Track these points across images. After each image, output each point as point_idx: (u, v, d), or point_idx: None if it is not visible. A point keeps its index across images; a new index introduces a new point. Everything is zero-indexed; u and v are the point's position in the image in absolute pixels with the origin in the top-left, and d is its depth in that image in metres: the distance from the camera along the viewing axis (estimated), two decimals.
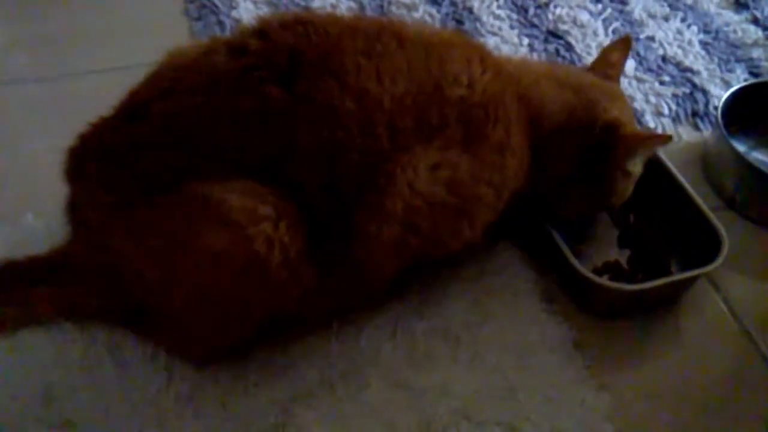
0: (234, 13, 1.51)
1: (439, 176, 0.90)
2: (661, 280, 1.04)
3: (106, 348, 0.96)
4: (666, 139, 1.02)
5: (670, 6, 1.61)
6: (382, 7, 1.56)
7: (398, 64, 0.89)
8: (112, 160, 0.87)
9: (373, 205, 0.88)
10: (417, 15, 1.54)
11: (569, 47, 1.49)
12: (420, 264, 1.01)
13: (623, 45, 1.14)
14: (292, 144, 0.85)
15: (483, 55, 0.97)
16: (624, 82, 1.42)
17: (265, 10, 1.52)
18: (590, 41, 1.50)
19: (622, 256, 1.14)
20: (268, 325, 0.94)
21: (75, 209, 0.93)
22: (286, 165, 0.86)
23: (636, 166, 1.05)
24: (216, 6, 1.51)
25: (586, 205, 1.10)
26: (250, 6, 1.53)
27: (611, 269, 1.12)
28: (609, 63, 1.10)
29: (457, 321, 1.04)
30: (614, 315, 1.06)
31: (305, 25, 0.88)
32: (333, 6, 1.55)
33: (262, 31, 0.88)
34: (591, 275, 1.01)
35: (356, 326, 1.02)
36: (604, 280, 1.04)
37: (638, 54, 1.48)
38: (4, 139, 1.26)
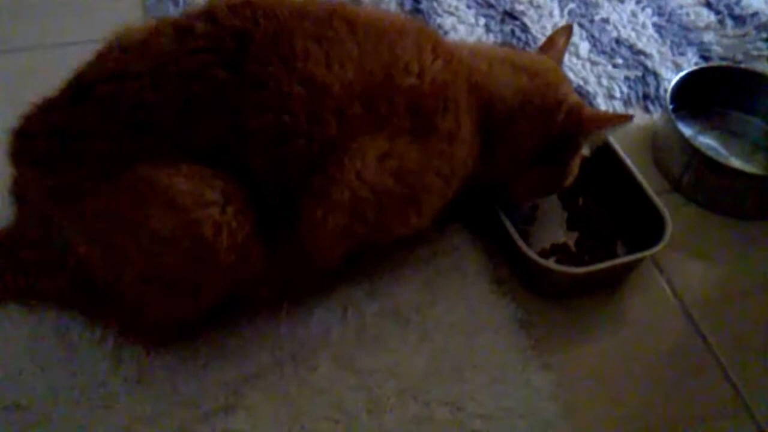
0: None
1: (387, 166, 0.90)
2: (607, 263, 1.07)
3: (54, 330, 0.96)
4: (626, 118, 1.03)
5: None
6: None
7: (348, 50, 0.89)
8: (56, 143, 0.86)
9: (319, 192, 0.88)
10: None
11: (525, 28, 1.49)
12: (370, 247, 1.02)
13: (567, 31, 1.15)
14: (240, 128, 0.85)
15: (435, 43, 0.97)
16: (578, 64, 1.44)
17: None
18: (546, 22, 1.51)
19: (570, 238, 1.17)
20: (218, 306, 0.95)
21: (20, 192, 0.92)
22: (234, 149, 0.86)
23: (586, 148, 1.07)
24: None
25: (542, 188, 1.12)
26: None
27: (559, 251, 1.14)
28: (555, 49, 1.11)
29: (408, 302, 1.05)
30: (561, 296, 1.09)
31: (254, 7, 0.87)
32: None
33: (210, 13, 0.87)
34: (537, 258, 1.03)
35: (306, 308, 1.03)
36: (550, 263, 1.06)
37: (593, 36, 1.49)
38: None
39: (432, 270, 1.09)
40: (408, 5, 1.51)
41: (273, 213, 0.89)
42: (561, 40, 1.12)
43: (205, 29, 0.85)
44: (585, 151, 1.07)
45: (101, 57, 0.88)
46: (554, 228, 1.18)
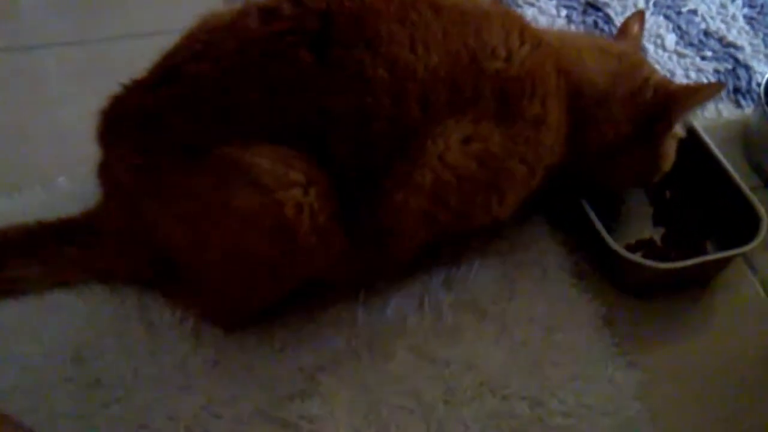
0: None
1: (470, 149, 0.89)
2: (694, 260, 1.02)
3: (136, 310, 0.97)
4: (717, 87, 1.01)
5: None
6: None
7: (433, 33, 0.87)
8: (144, 123, 0.87)
9: (401, 176, 0.87)
10: None
11: (608, 19, 1.45)
12: (449, 236, 1.00)
13: (640, 17, 1.12)
14: (323, 110, 0.84)
15: (522, 27, 0.95)
16: (664, 56, 1.40)
17: None
18: (630, 13, 1.45)
19: (656, 234, 1.12)
20: (297, 290, 0.94)
21: (106, 172, 0.93)
22: (317, 131, 0.85)
23: (680, 126, 1.03)
24: None
25: (635, 175, 1.08)
26: None
27: (644, 246, 1.10)
28: (630, 35, 1.08)
29: (485, 295, 1.03)
30: (646, 293, 1.05)
31: None
32: None
33: None
34: (623, 251, 0.99)
35: (383, 296, 1.02)
36: (636, 257, 1.02)
37: (679, 28, 1.44)
38: (38, 101, 1.27)
39: (511, 263, 1.07)
40: None
41: (354, 197, 0.88)
42: (635, 27, 1.10)
43: (290, 10, 0.85)
44: (679, 130, 1.03)
45: (188, 39, 0.89)
46: (640, 223, 1.14)
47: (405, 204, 0.88)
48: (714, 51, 1.40)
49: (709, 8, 1.49)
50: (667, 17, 1.47)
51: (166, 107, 0.85)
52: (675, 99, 0.98)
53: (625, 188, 1.13)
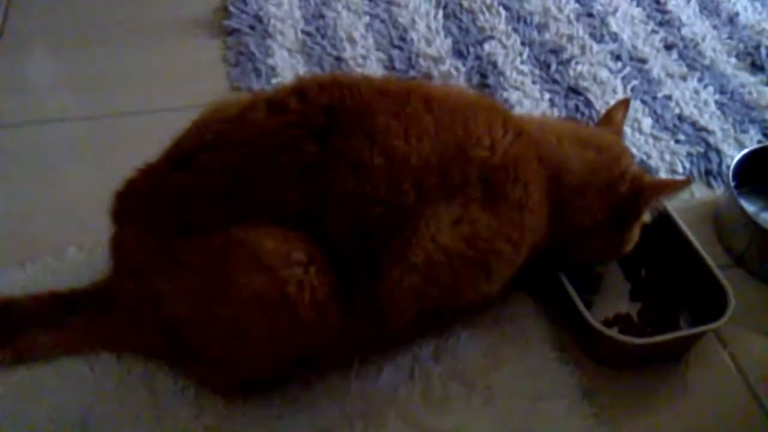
0: (270, 61, 1.59)
1: (460, 231, 0.96)
2: (669, 335, 1.09)
3: (140, 379, 1.03)
4: (685, 183, 1.10)
5: (688, 66, 1.66)
6: (410, 59, 1.63)
7: (425, 126, 0.96)
8: (158, 204, 0.94)
9: (397, 256, 0.94)
10: (443, 67, 1.61)
11: (588, 103, 1.55)
12: (439, 310, 1.06)
13: (624, 106, 1.22)
14: (325, 195, 0.92)
15: (505, 118, 1.03)
16: (641, 139, 1.49)
17: (298, 58, 1.61)
18: (609, 98, 1.56)
19: (633, 309, 1.19)
20: (295, 362, 1.00)
21: (118, 247, 1.00)
22: (318, 214, 0.92)
23: (647, 215, 1.12)
24: (253, 54, 1.60)
25: (604, 253, 1.17)
26: (285, 54, 1.62)
27: (622, 321, 1.17)
28: (614, 122, 1.17)
29: (473, 366, 1.09)
30: (623, 366, 1.11)
31: (340, 86, 0.95)
32: (363, 57, 1.63)
33: (301, 90, 0.95)
34: (601, 327, 1.06)
35: (376, 366, 1.07)
36: (613, 333, 1.08)
37: (655, 112, 1.54)
38: (48, 174, 1.35)
39: (496, 335, 1.13)
40: (475, 80, 1.59)
41: (351, 275, 0.95)
42: (619, 115, 1.19)
43: (296, 105, 0.93)
44: (646, 217, 1.12)
45: (200, 127, 0.97)
46: (617, 298, 1.21)
47: (400, 282, 0.95)
48: (687, 135, 1.49)
49: (683, 94, 1.59)
50: (643, 102, 1.56)
51: (179, 192, 0.93)
52: (646, 192, 1.07)
53: (595, 263, 1.21)
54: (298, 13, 1.74)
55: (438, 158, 0.95)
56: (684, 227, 1.20)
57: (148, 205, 0.95)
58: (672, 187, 1.09)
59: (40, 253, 1.17)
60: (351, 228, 0.93)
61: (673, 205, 1.24)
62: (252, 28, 1.69)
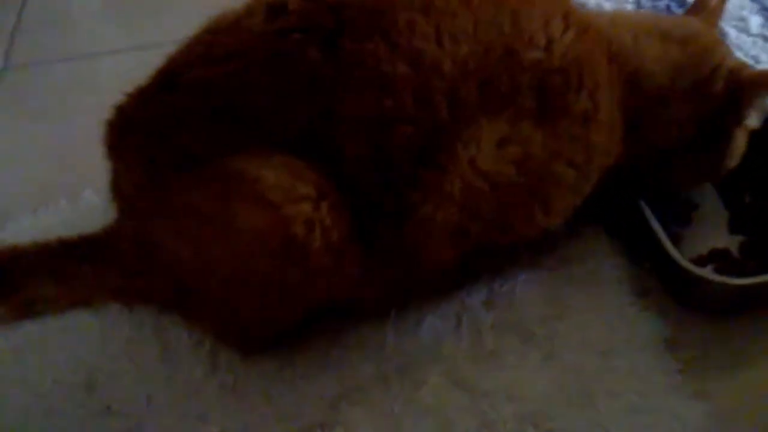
0: None
1: (507, 153, 0.79)
2: None
3: (152, 333, 0.92)
4: None
5: None
6: None
7: (462, 22, 0.78)
8: (148, 133, 0.81)
9: (428, 185, 0.78)
10: None
11: (682, 2, 1.31)
12: (489, 249, 0.90)
13: None
14: (337, 113, 0.76)
15: (567, 11, 0.84)
16: (748, 41, 1.25)
17: None
18: None
19: (733, 243, 0.99)
20: (317, 313, 0.87)
21: (116, 187, 0.88)
22: (330, 137, 0.77)
23: (753, 118, 0.90)
24: None
25: (698, 175, 0.97)
26: None
27: (719, 258, 0.97)
28: (706, 8, 0.95)
29: (531, 314, 0.92)
30: (718, 312, 0.91)
31: None
32: None
33: None
34: (689, 265, 0.87)
35: (416, 316, 0.92)
36: (705, 272, 0.89)
37: (765, 9, 1.28)
38: (62, 114, 1.25)
39: (562, 278, 0.96)
40: None
41: (374, 211, 0.80)
42: (714, 1, 0.95)
43: (298, 5, 0.77)
44: (752, 122, 0.90)
45: (191, 41, 0.82)
46: (714, 231, 1.00)
47: (432, 217, 0.79)
48: None
49: None
50: None
51: (166, 117, 0.79)
52: (745, 88, 0.85)
53: (686, 189, 1.00)
54: None
55: (478, 63, 0.77)
56: None
57: (137, 135, 0.82)
58: None
59: (55, 197, 1.08)
60: (371, 154, 0.77)
61: None
62: None
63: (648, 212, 0.91)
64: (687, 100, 0.86)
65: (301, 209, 0.75)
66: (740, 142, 0.91)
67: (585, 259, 0.97)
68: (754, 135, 0.94)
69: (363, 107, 0.76)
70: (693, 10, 0.98)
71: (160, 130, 0.80)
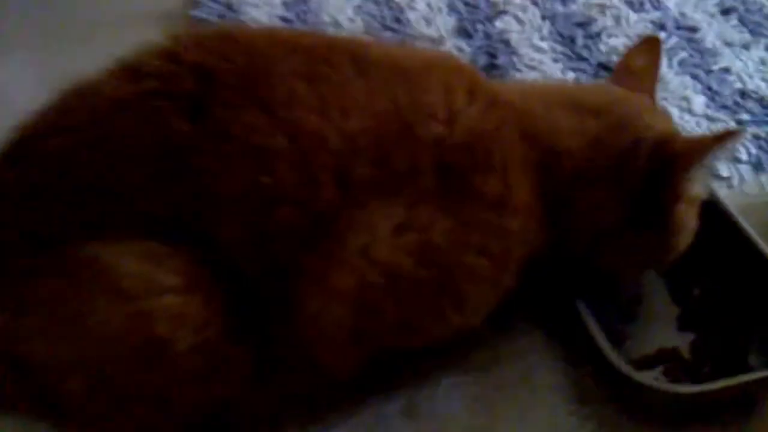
0: None
1: (404, 241, 0.68)
2: (735, 379, 0.77)
3: None
4: (733, 135, 0.75)
5: (751, 32, 1.34)
6: (404, 42, 1.35)
7: (353, 93, 0.68)
8: None
9: (314, 277, 0.66)
10: (443, 49, 1.33)
11: None
12: (402, 351, 0.77)
13: (649, 45, 0.89)
14: (208, 192, 0.65)
15: (473, 83, 0.75)
16: (691, 121, 1.17)
17: None
18: None
19: (683, 342, 0.87)
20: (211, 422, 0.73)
21: None
22: (203, 219, 0.65)
23: (698, 187, 0.79)
24: None
25: (641, 261, 0.85)
26: None
27: (668, 359, 0.85)
28: (631, 71, 0.86)
29: (457, 425, 0.79)
30: (668, 423, 0.79)
31: (227, 40, 0.68)
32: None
33: (169, 48, 0.69)
34: (629, 369, 0.75)
35: (324, 428, 0.79)
36: (649, 378, 0.77)
37: (709, 88, 1.22)
38: None
39: (491, 383, 0.83)
40: (482, 61, 1.30)
41: (261, 304, 0.67)
42: (639, 60, 0.87)
43: (159, 67, 0.67)
44: (697, 192, 0.79)
45: (45, 108, 0.70)
46: (662, 327, 0.89)
47: (320, 315, 0.67)
48: (752, 113, 1.17)
49: (746, 65, 1.27)
50: (694, 77, 1.25)
51: (12, 193, 0.67)
52: (679, 158, 0.74)
53: (628, 277, 0.89)
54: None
55: (372, 138, 0.67)
56: (751, 231, 0.88)
57: None
58: (715, 142, 0.74)
59: None
60: (249, 238, 0.66)
61: (735, 202, 0.94)
62: (222, 17, 1.44)
63: (582, 307, 0.80)
64: (610, 178, 0.75)
65: (164, 303, 0.63)
66: (686, 218, 0.79)
67: (517, 360, 0.85)
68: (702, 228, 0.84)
69: (237, 185, 0.64)
70: (616, 75, 0.88)
71: (9, 208, 0.67)
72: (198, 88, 0.65)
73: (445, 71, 0.74)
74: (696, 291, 0.92)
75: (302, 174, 0.65)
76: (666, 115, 0.84)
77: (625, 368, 0.76)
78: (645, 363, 0.84)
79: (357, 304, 0.67)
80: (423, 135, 0.68)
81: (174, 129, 0.64)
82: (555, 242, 0.76)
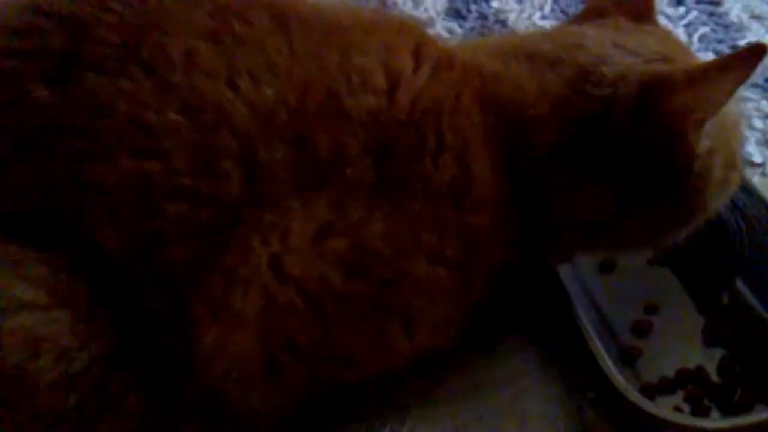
0: None
1: (330, 248, 0.53)
2: None
3: None
4: (756, 51, 0.55)
5: None
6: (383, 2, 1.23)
7: (269, 55, 0.54)
8: None
9: (212, 298, 0.52)
10: (432, 31, 1.18)
11: None
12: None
13: None
14: (78, 181, 0.51)
15: (421, 42, 0.60)
16: None
17: None
18: None
19: (710, 360, 0.71)
20: None
21: None
22: (77, 216, 0.51)
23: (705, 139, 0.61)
24: None
25: (656, 233, 0.66)
26: None
27: (690, 381, 0.69)
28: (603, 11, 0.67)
29: None
30: None
31: None
32: None
33: (36, 4, 0.54)
34: (640, 398, 0.59)
35: None
36: (668, 410, 0.62)
37: None
38: None
39: (472, 412, 0.67)
40: None
41: (156, 329, 0.53)
42: None
43: (21, 21, 0.53)
44: (705, 143, 0.61)
45: None
46: (684, 343, 0.74)
47: (222, 347, 0.52)
48: None
49: None
50: (717, 53, 1.10)
51: None
52: (671, 90, 0.56)
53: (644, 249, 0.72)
54: None
55: (291, 113, 0.53)
56: None
57: None
58: (728, 66, 0.56)
59: None
60: (133, 241, 0.51)
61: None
62: None
63: (582, 317, 0.65)
64: (590, 151, 0.59)
65: (18, 323, 0.48)
66: (709, 172, 0.61)
67: (502, 385, 0.69)
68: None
69: (116, 173, 0.50)
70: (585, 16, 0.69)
71: None
72: (66, 46, 0.51)
73: (387, 30, 0.59)
74: (725, 297, 0.76)
75: (199, 159, 0.51)
76: (657, 36, 0.65)
77: (635, 396, 0.60)
78: (662, 387, 0.69)
79: (267, 331, 0.52)
80: (354, 108, 0.54)
81: (35, 98, 0.50)
82: (537, 240, 0.60)
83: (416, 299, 0.56)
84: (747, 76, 0.57)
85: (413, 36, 0.61)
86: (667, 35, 0.69)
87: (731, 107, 0.63)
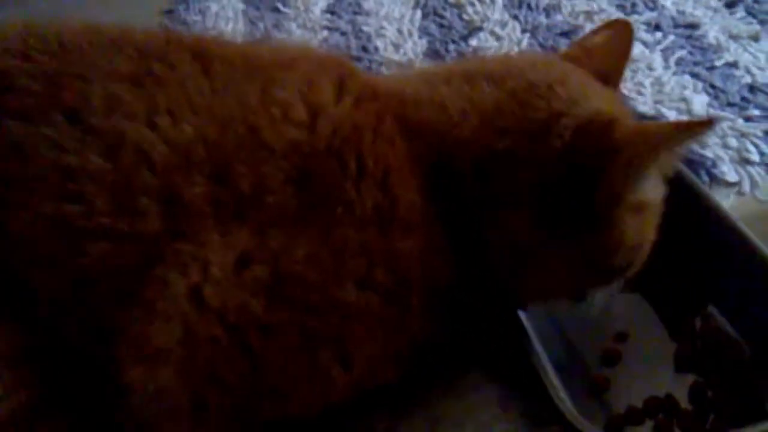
0: None
1: (251, 276, 0.52)
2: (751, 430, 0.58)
3: None
4: (703, 126, 0.55)
5: (761, 22, 1.18)
6: (370, 68, 1.22)
7: (190, 95, 0.55)
8: None
9: (133, 336, 0.51)
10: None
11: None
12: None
13: (614, 26, 0.71)
14: (5, 224, 0.51)
15: (343, 74, 0.60)
16: None
17: None
18: (642, 77, 1.08)
19: (680, 387, 0.68)
20: None
21: None
22: (3, 260, 0.52)
23: (652, 189, 0.60)
24: None
25: (571, 279, 0.64)
26: None
27: (660, 410, 0.67)
28: (585, 49, 0.68)
29: None
30: None
31: (33, 37, 0.56)
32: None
33: None
34: None
35: None
36: None
37: (713, 86, 1.05)
38: None
39: None
40: None
41: (88, 374, 0.53)
42: (596, 38, 0.69)
43: None
44: (647, 196, 0.60)
45: None
46: (654, 370, 0.71)
47: (145, 387, 0.51)
48: (763, 108, 1.00)
49: (756, 58, 1.10)
50: (694, 75, 1.08)
51: None
52: (616, 148, 0.55)
53: (551, 299, 0.68)
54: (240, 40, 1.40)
55: (210, 148, 0.53)
56: (765, 247, 0.69)
57: None
58: (675, 132, 0.56)
59: None
60: (57, 284, 0.51)
61: (748, 210, 0.82)
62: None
63: (534, 344, 0.63)
64: (517, 170, 0.57)
65: None
66: (631, 228, 0.60)
67: (460, 421, 0.67)
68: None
69: (39, 216, 0.51)
70: (566, 56, 0.69)
71: None
72: None
73: (309, 65, 0.60)
74: (697, 321, 0.73)
75: (119, 199, 0.51)
76: (615, 98, 0.66)
77: (591, 430, 0.58)
78: (630, 418, 0.66)
79: (189, 366, 0.51)
80: (274, 140, 0.54)
81: None
82: (476, 267, 0.59)
83: (348, 327, 0.55)
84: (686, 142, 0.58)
85: (337, 70, 0.61)
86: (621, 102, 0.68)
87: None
